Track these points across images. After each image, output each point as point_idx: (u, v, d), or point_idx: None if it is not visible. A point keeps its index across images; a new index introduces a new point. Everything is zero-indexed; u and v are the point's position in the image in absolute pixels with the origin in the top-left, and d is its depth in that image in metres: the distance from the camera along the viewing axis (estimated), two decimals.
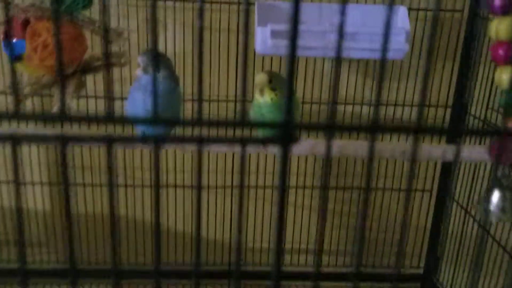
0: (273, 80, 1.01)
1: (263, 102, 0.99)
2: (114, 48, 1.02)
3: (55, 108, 0.84)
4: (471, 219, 1.33)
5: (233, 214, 1.50)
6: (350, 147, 1.00)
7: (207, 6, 1.31)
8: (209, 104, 1.39)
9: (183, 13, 1.32)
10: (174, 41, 1.34)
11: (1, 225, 1.46)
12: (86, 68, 0.89)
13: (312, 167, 1.47)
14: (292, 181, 1.48)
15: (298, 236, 1.54)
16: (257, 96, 1.01)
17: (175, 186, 1.45)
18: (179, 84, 1.01)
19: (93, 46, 1.28)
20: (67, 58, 0.83)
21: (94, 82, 1.23)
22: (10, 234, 1.48)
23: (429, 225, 1.51)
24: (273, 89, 1.00)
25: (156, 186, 0.35)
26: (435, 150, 1.04)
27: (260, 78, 1.01)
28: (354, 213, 1.52)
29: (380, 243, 1.54)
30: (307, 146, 1.01)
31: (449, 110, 1.39)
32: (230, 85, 1.38)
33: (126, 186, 1.44)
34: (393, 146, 1.02)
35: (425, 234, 1.52)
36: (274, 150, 1.03)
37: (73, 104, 0.79)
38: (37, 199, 1.45)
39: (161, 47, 1.34)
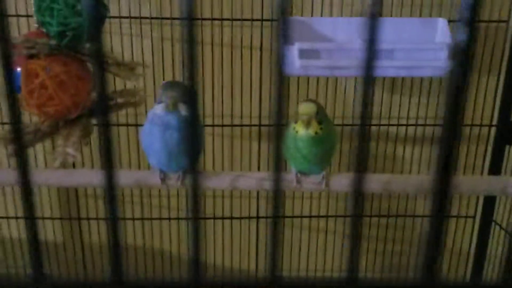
0: (319, 112, 0.87)
1: (305, 134, 0.85)
2: (127, 84, 0.91)
3: (57, 162, 0.69)
4: None
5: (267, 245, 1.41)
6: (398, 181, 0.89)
7: (227, 22, 1.21)
8: (231, 128, 1.29)
9: (201, 31, 1.22)
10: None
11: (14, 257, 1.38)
12: (94, 111, 0.75)
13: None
14: (323, 208, 1.38)
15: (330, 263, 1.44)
16: (298, 127, 0.86)
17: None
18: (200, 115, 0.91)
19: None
20: (70, 101, 0.69)
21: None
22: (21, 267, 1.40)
23: (472, 251, 1.40)
24: (319, 122, 0.86)
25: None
26: (480, 183, 0.92)
27: (309, 108, 0.86)
28: (388, 239, 1.41)
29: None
30: (347, 180, 0.90)
31: (493, 129, 1.27)
32: (253, 107, 1.28)
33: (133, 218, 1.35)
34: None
35: (468, 259, 1.41)
36: (310, 187, 0.92)
37: (78, 154, 0.66)
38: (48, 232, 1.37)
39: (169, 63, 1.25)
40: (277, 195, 0.30)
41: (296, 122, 0.86)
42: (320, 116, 0.86)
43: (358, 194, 0.29)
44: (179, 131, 0.84)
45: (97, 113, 0.64)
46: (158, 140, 0.84)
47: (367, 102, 0.28)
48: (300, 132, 0.86)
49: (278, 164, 0.29)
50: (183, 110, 0.84)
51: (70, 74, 0.65)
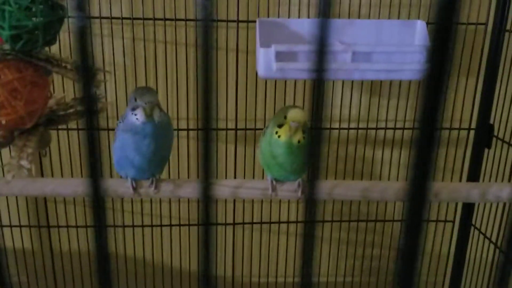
0: (306, 120, 0.83)
1: (287, 142, 0.81)
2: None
3: (9, 176, 0.61)
4: (494, 247, 1.22)
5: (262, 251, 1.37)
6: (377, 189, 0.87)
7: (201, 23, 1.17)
8: (197, 133, 1.25)
9: (174, 31, 1.18)
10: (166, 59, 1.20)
11: None
12: (51, 119, 0.70)
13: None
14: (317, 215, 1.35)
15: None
16: (281, 132, 0.82)
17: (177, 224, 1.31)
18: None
19: (59, 90, 1.15)
20: (24, 110, 0.62)
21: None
22: None
23: (452, 255, 1.39)
24: (304, 130, 0.82)
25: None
26: (459, 189, 0.90)
27: (301, 115, 0.81)
28: (375, 244, 1.40)
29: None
30: (324, 188, 0.87)
31: (472, 132, 1.26)
32: (230, 110, 1.24)
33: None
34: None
35: (448, 263, 1.40)
36: (286, 195, 0.88)
37: (31, 167, 0.60)
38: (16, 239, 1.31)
39: (142, 67, 1.20)
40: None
41: (279, 127, 0.82)
42: (306, 124, 0.83)
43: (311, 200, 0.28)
44: (155, 138, 0.81)
45: (52, 122, 0.60)
46: (134, 149, 0.80)
47: (319, 105, 0.27)
48: (282, 138, 0.82)
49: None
50: (157, 116, 0.80)
51: (24, 81, 0.59)
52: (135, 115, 0.79)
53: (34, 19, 0.59)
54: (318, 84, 0.25)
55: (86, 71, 0.27)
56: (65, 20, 0.64)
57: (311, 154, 0.27)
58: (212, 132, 0.26)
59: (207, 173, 0.28)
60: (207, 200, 0.28)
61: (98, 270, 0.29)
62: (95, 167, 0.28)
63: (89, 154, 0.28)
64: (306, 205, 0.28)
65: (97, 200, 0.28)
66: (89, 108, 0.27)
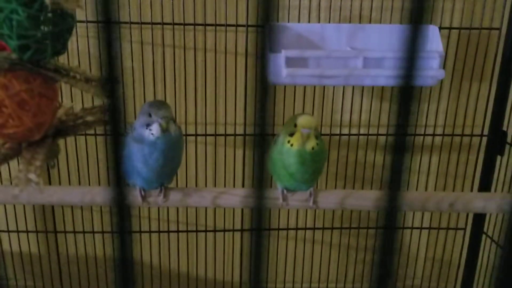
0: (317, 126, 0.81)
1: (301, 149, 0.80)
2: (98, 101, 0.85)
3: (17, 190, 0.60)
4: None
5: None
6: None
7: (211, 28, 1.16)
8: (215, 138, 1.24)
9: (183, 36, 1.17)
10: (172, 63, 1.19)
11: None
12: (60, 130, 0.68)
13: None
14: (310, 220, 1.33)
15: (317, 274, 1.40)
16: (294, 141, 0.80)
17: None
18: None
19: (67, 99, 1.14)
20: (32, 122, 0.61)
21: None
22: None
23: (463, 262, 1.37)
24: (316, 136, 0.81)
25: None
26: (474, 201, 0.88)
27: (311, 121, 0.80)
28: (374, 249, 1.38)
29: (409, 277, 1.41)
30: (335, 198, 0.86)
31: (485, 139, 1.23)
32: (238, 115, 1.23)
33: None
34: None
35: (459, 271, 1.38)
36: (297, 204, 0.87)
37: (40, 181, 0.59)
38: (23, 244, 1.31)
39: (150, 70, 1.19)
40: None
41: (291, 135, 0.81)
42: (317, 130, 0.82)
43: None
44: (166, 152, 0.79)
45: (60, 133, 0.58)
46: (142, 162, 0.79)
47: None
48: (295, 146, 0.80)
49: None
50: (173, 130, 0.80)
51: (32, 92, 0.58)
52: (150, 130, 0.77)
53: (43, 28, 0.58)
54: (405, 92, 0.24)
55: (113, 83, 0.26)
56: (74, 29, 0.62)
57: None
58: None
59: (260, 181, 0.27)
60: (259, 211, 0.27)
61: (121, 278, 0.28)
62: (119, 177, 0.27)
63: (113, 164, 0.27)
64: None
65: (121, 209, 0.28)
66: (115, 120, 0.26)
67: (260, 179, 0.27)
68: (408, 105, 0.23)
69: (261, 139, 0.26)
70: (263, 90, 0.25)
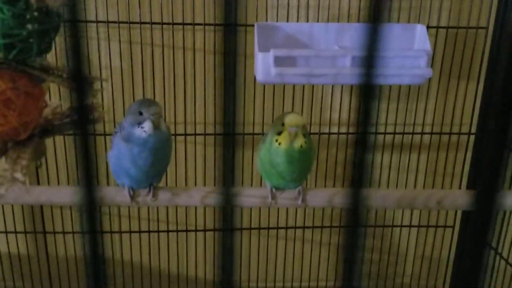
0: (304, 124, 0.81)
1: (289, 148, 0.80)
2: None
3: (2, 189, 0.59)
4: (494, 252, 1.22)
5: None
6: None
7: (200, 27, 1.16)
8: (204, 138, 1.24)
9: (172, 35, 1.17)
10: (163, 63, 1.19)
11: None
12: (46, 130, 0.68)
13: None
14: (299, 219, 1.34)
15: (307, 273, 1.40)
16: (282, 139, 0.80)
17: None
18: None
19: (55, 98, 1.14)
20: (18, 121, 0.60)
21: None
22: None
23: (451, 259, 1.38)
24: (304, 135, 0.81)
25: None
26: (462, 199, 0.88)
27: (298, 119, 0.80)
28: (375, 248, 1.39)
29: (398, 276, 1.42)
30: (324, 196, 0.86)
31: (472, 137, 1.25)
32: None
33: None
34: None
35: (447, 269, 1.39)
36: (286, 203, 0.87)
37: (26, 180, 0.58)
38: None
39: (139, 71, 1.19)
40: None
41: (279, 134, 0.81)
42: (305, 129, 0.82)
43: None
44: (154, 152, 0.79)
45: (47, 132, 0.58)
46: (130, 162, 0.79)
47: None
48: (283, 145, 0.80)
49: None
50: (163, 127, 0.80)
51: (18, 91, 0.57)
52: (142, 127, 0.78)
53: (28, 26, 0.57)
54: (366, 91, 0.24)
55: (81, 80, 0.26)
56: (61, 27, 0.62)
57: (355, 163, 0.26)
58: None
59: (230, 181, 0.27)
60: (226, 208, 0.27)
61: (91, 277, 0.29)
62: (89, 177, 0.27)
63: (84, 164, 0.27)
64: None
65: (91, 210, 0.28)
66: (83, 119, 0.26)
67: (228, 177, 0.27)
68: (368, 102, 0.24)
69: (230, 139, 0.26)
70: (232, 90, 0.25)
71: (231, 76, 0.25)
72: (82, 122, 0.26)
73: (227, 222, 0.26)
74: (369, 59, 0.22)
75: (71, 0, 0.22)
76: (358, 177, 0.25)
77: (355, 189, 0.25)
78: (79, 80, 0.25)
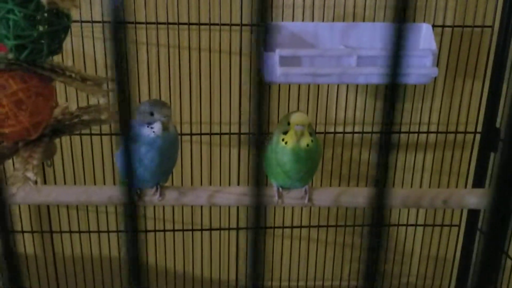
0: (310, 123, 0.82)
1: (295, 147, 0.80)
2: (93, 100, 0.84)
3: (14, 189, 0.60)
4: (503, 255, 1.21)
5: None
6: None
7: (205, 27, 1.16)
8: (210, 137, 1.24)
9: (177, 35, 1.17)
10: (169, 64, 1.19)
11: None
12: (57, 130, 0.68)
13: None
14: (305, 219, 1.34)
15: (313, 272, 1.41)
16: (288, 138, 0.80)
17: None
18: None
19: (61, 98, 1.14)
20: (29, 121, 0.61)
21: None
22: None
23: (457, 259, 1.38)
24: (310, 133, 0.81)
25: None
26: (468, 198, 0.88)
27: (304, 118, 0.80)
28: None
29: (404, 275, 1.42)
30: (330, 195, 0.86)
31: (478, 136, 1.24)
32: (233, 114, 1.23)
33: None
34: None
35: (453, 268, 1.39)
36: (292, 202, 0.87)
37: (37, 179, 0.59)
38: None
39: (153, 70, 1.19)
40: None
41: (285, 134, 0.81)
42: (311, 128, 0.82)
43: None
44: (166, 150, 0.80)
45: (57, 132, 0.58)
46: (140, 160, 0.79)
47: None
48: (289, 144, 0.80)
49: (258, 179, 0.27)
50: (172, 128, 0.82)
51: (29, 92, 0.58)
52: (152, 128, 0.79)
53: (39, 27, 0.58)
54: (392, 90, 0.24)
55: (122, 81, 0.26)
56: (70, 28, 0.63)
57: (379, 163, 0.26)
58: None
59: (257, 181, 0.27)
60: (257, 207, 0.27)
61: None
62: (131, 176, 0.27)
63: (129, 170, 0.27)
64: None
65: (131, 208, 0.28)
66: (125, 130, 0.26)
67: (257, 177, 0.27)
68: (393, 103, 0.24)
69: (257, 138, 0.26)
70: (259, 90, 0.25)
71: (259, 77, 0.25)
72: (124, 132, 0.26)
73: (258, 222, 0.26)
74: (395, 58, 0.23)
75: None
76: (382, 177, 0.25)
77: (379, 189, 0.25)
78: (122, 83, 0.25)
